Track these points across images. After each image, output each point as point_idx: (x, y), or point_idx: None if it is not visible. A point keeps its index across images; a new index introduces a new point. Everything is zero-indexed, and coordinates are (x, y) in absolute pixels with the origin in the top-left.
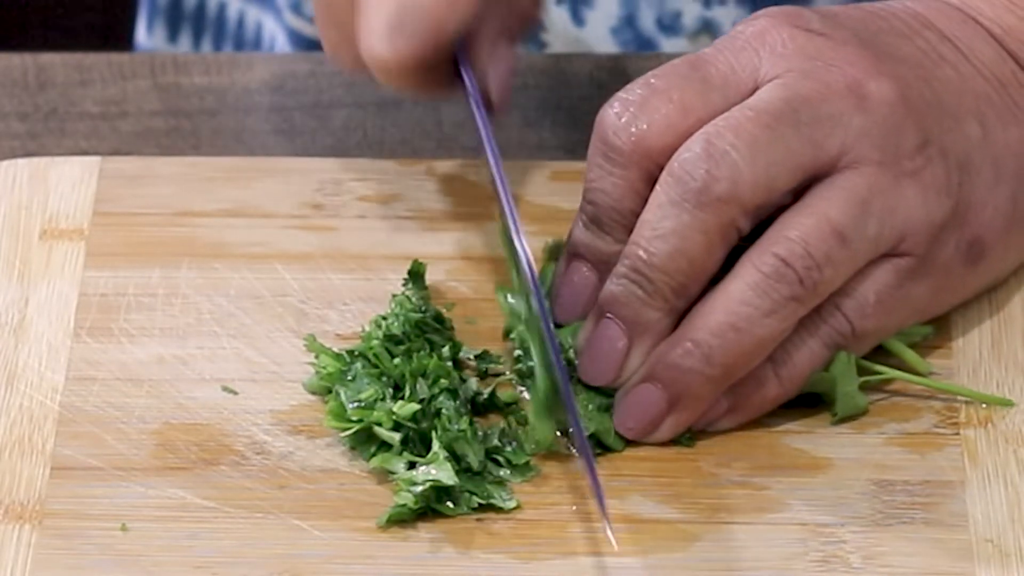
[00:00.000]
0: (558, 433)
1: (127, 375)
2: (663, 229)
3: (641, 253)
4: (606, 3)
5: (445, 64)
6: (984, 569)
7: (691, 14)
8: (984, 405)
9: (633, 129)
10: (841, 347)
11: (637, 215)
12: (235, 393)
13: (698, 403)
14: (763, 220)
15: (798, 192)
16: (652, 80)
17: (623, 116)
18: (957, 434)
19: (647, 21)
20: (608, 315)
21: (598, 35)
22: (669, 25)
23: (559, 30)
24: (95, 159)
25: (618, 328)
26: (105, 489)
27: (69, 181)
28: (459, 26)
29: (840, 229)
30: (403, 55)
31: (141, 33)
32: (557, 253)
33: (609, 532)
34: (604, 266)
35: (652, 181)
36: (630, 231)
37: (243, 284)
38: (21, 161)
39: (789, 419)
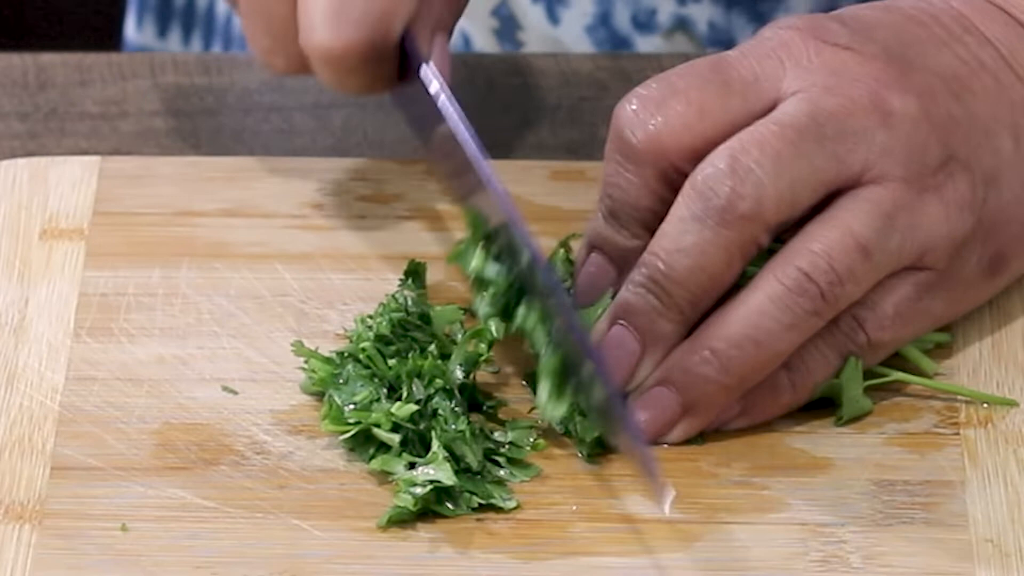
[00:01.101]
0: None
1: (127, 375)
2: (684, 243)
3: (660, 265)
4: (581, 1)
5: (389, 57)
6: (984, 569)
7: (666, 12)
8: (985, 405)
9: (649, 128)
10: (855, 356)
11: (653, 212)
12: (235, 393)
13: (712, 409)
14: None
15: (820, 204)
16: (672, 78)
17: (640, 113)
18: (957, 434)
19: (622, 19)
20: (621, 322)
21: (573, 33)
22: (644, 23)
23: (534, 28)
24: (95, 159)
25: (631, 336)
26: (105, 489)
27: (69, 181)
28: (407, 14)
29: (864, 243)
30: (350, 44)
31: (130, 29)
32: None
33: (667, 497)
34: (622, 260)
35: (667, 180)
36: (647, 227)
37: (243, 284)
38: (21, 161)
39: (790, 419)
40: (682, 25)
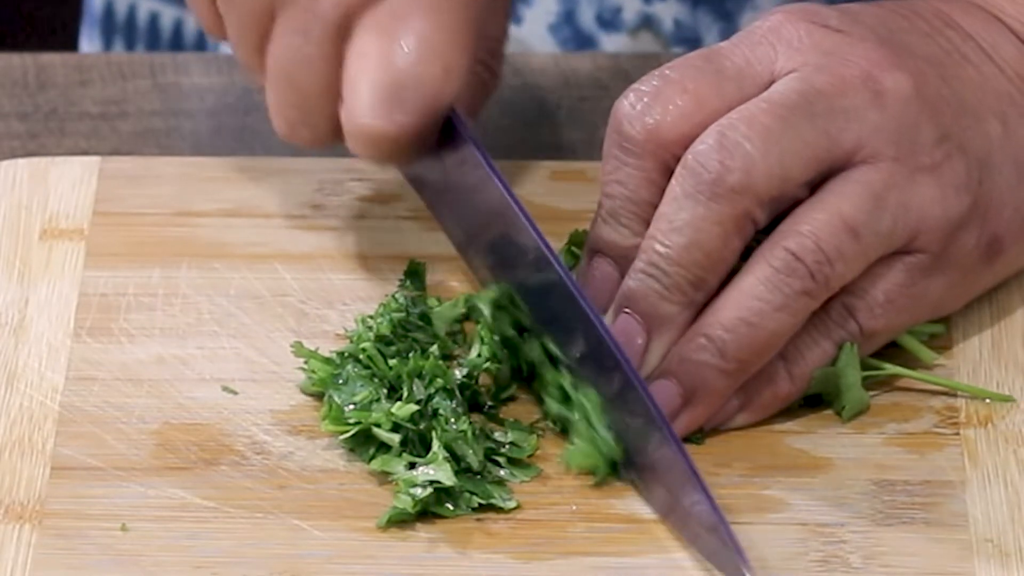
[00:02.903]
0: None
1: (127, 375)
2: (678, 222)
3: (657, 247)
4: (544, 0)
5: (432, 135)
6: (984, 569)
7: (631, 9)
8: (987, 400)
9: (647, 119)
10: (850, 343)
11: (654, 206)
12: (235, 393)
13: (712, 398)
14: (781, 214)
15: (814, 186)
16: (666, 72)
17: (637, 106)
18: (957, 434)
19: (586, 17)
20: (626, 310)
21: (536, 33)
22: (609, 21)
23: None
24: (95, 159)
25: (636, 323)
26: (105, 489)
27: (69, 181)
28: (453, 96)
29: (852, 224)
30: (403, 128)
31: (84, 44)
32: (578, 239)
33: (742, 561)
34: (624, 261)
35: (668, 172)
36: (648, 223)
37: (243, 284)
38: (21, 161)
39: (790, 419)
40: (648, 23)
